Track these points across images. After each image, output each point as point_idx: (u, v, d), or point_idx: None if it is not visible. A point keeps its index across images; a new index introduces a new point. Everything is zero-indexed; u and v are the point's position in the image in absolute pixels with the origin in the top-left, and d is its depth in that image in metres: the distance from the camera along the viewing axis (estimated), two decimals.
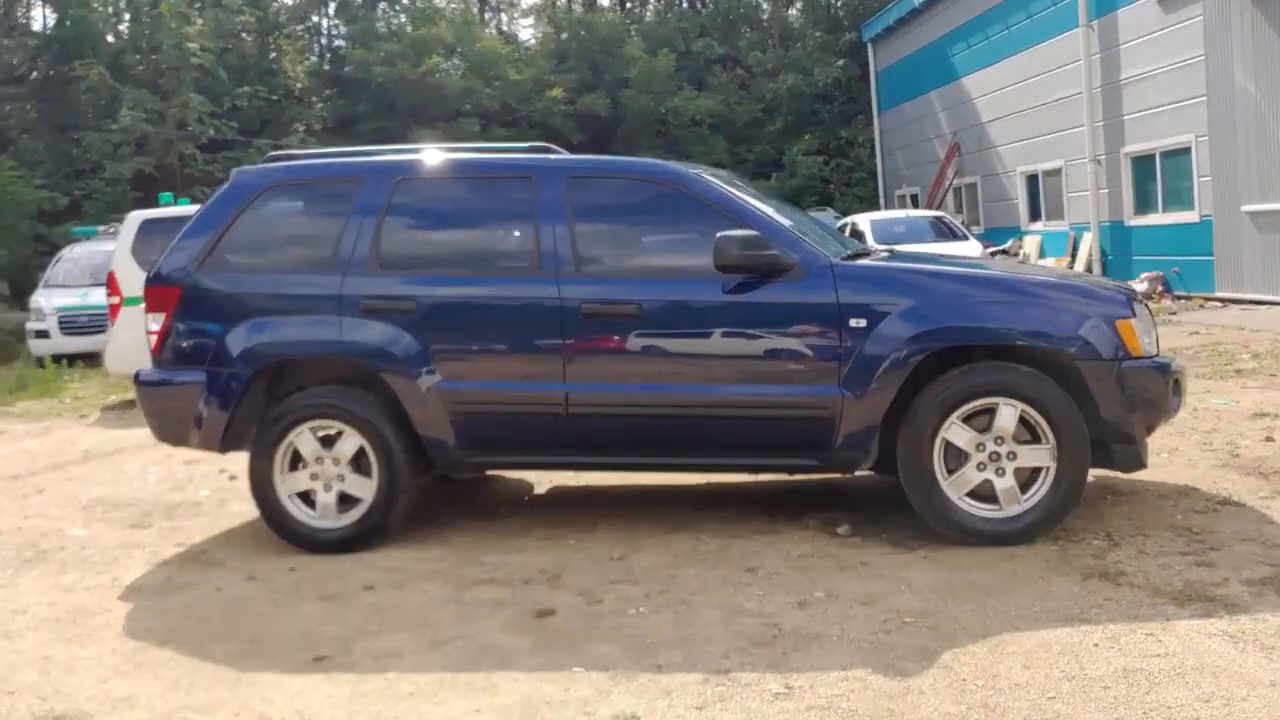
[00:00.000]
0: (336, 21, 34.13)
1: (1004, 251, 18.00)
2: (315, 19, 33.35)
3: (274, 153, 5.73)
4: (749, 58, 32.80)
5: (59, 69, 26.90)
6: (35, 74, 27.36)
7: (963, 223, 22.91)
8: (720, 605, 4.15)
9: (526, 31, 40.74)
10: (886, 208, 26.56)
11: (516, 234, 5.11)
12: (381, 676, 3.65)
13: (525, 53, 33.92)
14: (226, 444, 5.25)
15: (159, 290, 5.31)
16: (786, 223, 4.99)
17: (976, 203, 22.69)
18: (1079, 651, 3.50)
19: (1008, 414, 4.62)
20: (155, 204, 12.59)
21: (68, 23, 27.49)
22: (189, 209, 10.40)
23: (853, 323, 4.71)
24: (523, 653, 3.79)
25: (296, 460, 5.17)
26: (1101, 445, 4.66)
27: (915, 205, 24.56)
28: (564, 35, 34.40)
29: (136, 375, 5.42)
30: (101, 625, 4.34)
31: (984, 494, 4.69)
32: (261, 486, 5.15)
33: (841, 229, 17.28)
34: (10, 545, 5.67)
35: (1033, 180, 20.14)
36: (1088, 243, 17.81)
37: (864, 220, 17.16)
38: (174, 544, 5.53)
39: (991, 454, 4.65)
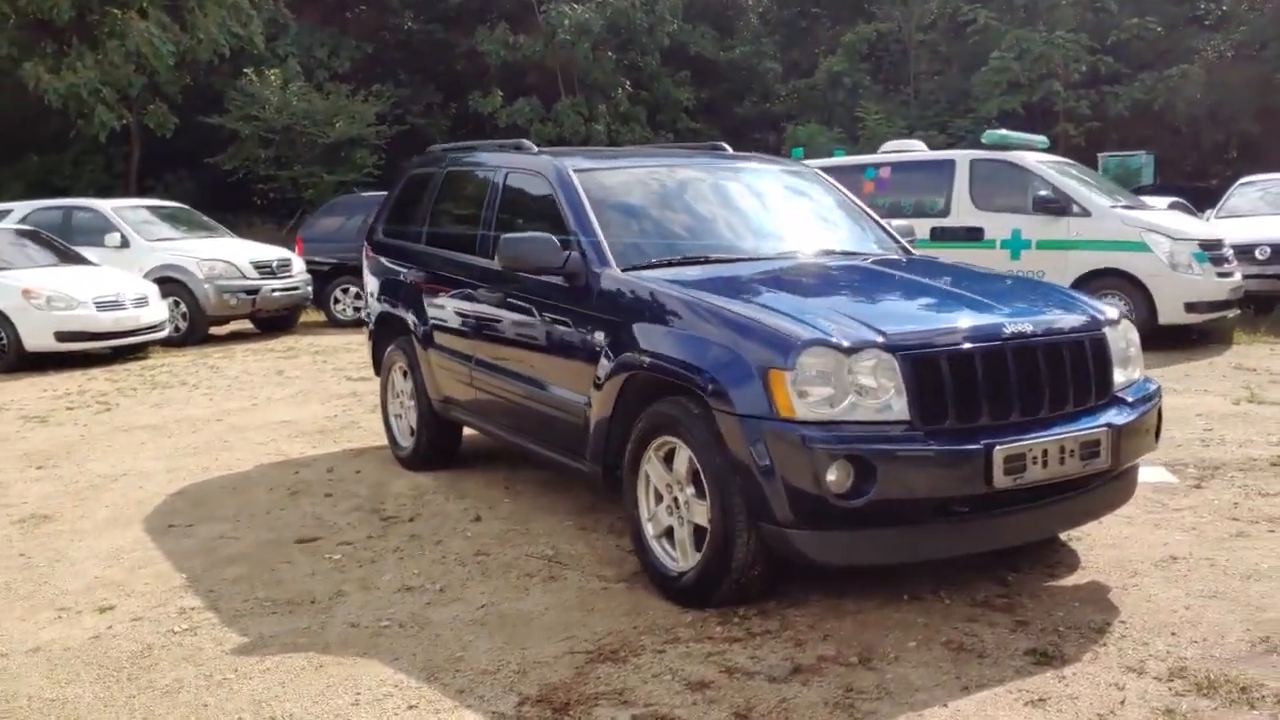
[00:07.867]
0: None
1: None
2: None
3: (431, 146, 7.12)
4: None
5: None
6: (940, 20, 29.47)
7: None
8: (405, 578, 4.57)
9: None
10: None
11: (479, 217, 5.72)
12: (163, 537, 5.24)
13: None
14: (379, 373, 6.94)
15: (364, 251, 7.16)
16: (596, 228, 4.80)
17: None
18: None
19: (682, 456, 4.05)
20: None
21: None
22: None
23: (597, 335, 4.55)
24: (224, 561, 4.92)
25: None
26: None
27: None
28: None
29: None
30: (203, 468, 6.53)
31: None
32: (382, 406, 6.80)
33: None
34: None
35: None
36: None
37: None
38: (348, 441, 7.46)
39: (674, 499, 4.14)
